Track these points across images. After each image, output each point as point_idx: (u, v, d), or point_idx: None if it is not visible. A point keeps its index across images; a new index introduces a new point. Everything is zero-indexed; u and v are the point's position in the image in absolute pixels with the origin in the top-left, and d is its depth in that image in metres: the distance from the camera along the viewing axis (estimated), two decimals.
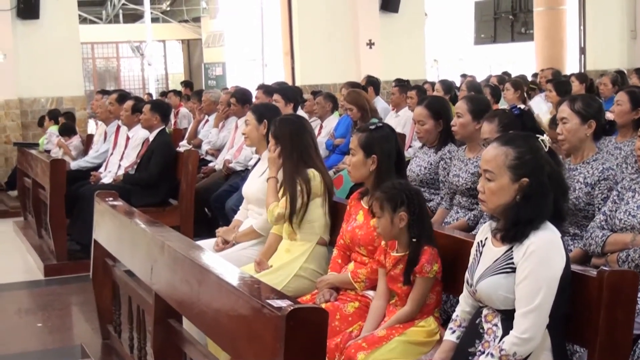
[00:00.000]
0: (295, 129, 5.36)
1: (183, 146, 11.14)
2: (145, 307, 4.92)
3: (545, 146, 3.53)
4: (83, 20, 17.38)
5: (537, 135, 3.59)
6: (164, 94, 19.26)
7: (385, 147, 4.66)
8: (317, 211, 5.21)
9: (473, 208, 5.73)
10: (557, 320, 3.36)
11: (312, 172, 5.21)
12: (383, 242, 4.30)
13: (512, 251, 3.43)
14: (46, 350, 6.53)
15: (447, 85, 12.32)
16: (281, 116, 5.70)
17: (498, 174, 3.48)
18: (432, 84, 13.82)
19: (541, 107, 10.97)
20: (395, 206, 4.12)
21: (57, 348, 6.54)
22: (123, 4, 31.40)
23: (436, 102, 6.43)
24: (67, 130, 12.65)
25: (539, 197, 3.42)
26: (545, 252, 3.34)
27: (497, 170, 3.49)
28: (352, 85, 11.38)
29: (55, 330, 7.16)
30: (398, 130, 9.40)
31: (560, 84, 10.85)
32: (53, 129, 13.07)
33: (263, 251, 5.46)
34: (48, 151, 12.27)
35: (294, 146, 5.28)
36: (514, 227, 3.43)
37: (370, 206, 4.31)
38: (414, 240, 4.11)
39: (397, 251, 4.20)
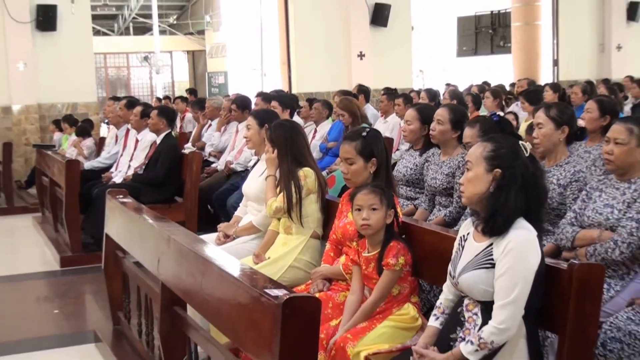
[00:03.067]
0: (289, 132, 5.39)
1: (188, 148, 11.14)
2: (153, 295, 4.93)
3: (526, 151, 3.54)
4: (96, 33, 17.36)
5: (521, 142, 3.60)
6: (167, 97, 19.27)
7: (380, 148, 4.70)
8: (312, 206, 5.24)
9: (450, 205, 5.79)
10: (531, 311, 3.38)
11: (308, 171, 5.23)
12: (354, 243, 4.35)
13: (492, 247, 3.45)
14: (62, 334, 6.53)
15: (432, 94, 12.48)
16: (276, 121, 5.70)
17: (475, 164, 3.54)
18: (418, 92, 13.83)
19: (520, 113, 11.02)
20: (389, 205, 4.17)
21: (72, 333, 6.54)
22: (133, 18, 31.38)
23: (426, 109, 6.47)
24: (83, 132, 12.65)
25: (511, 188, 3.44)
26: (522, 250, 3.36)
27: (474, 160, 3.55)
28: (344, 93, 11.39)
29: (70, 317, 7.16)
30: (386, 134, 9.43)
31: (530, 93, 10.96)
32: (73, 136, 13.07)
33: (261, 245, 5.47)
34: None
35: (288, 148, 5.31)
36: (492, 219, 3.45)
37: (354, 195, 4.33)
38: (385, 239, 4.17)
39: (368, 251, 4.24)
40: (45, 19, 14.87)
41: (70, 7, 15.08)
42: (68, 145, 13.03)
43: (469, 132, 5.44)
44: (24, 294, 8.02)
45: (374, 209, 4.15)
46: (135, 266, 5.50)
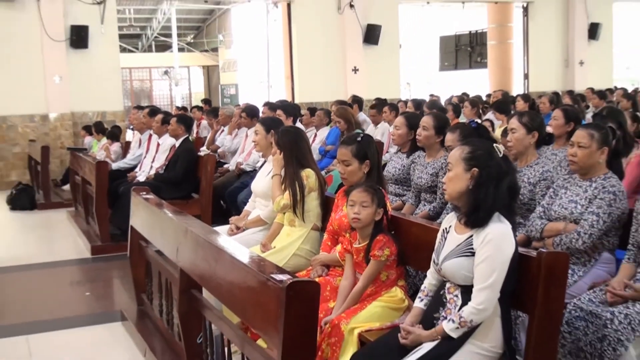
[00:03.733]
0: (294, 137, 5.39)
1: (203, 151, 11.12)
2: (172, 280, 4.92)
3: (500, 152, 3.55)
4: (123, 50, 17.35)
5: (495, 145, 3.61)
6: (184, 107, 19.26)
7: (373, 152, 4.72)
8: (313, 203, 5.24)
9: (433, 201, 5.79)
10: (505, 294, 3.39)
11: (309, 172, 5.24)
12: (348, 233, 4.34)
13: (472, 238, 3.46)
14: (92, 314, 6.52)
15: (417, 103, 12.62)
16: (282, 127, 5.70)
17: (455, 165, 3.55)
18: (406, 102, 13.93)
19: (495, 121, 11.03)
20: (379, 203, 4.18)
21: (102, 312, 6.53)
22: (155, 37, 31.33)
23: (413, 116, 6.48)
24: (113, 136, 12.68)
25: (488, 185, 3.46)
26: (498, 241, 3.37)
27: (454, 162, 3.56)
28: (341, 102, 11.38)
29: (100, 298, 7.15)
30: (377, 138, 9.43)
31: (500, 104, 11.04)
32: (104, 140, 13.08)
33: (267, 235, 5.47)
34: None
35: (293, 151, 5.30)
36: (473, 213, 3.46)
37: (356, 193, 4.31)
38: (373, 233, 4.18)
39: (358, 242, 4.25)
40: (78, 38, 14.90)
41: (100, 27, 15.09)
42: (98, 148, 13.03)
43: (450, 137, 5.44)
44: (59, 278, 8.01)
45: (364, 206, 4.16)
46: (157, 254, 5.49)
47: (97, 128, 13.95)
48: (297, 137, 5.43)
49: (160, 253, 5.36)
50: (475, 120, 8.87)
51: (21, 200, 12.63)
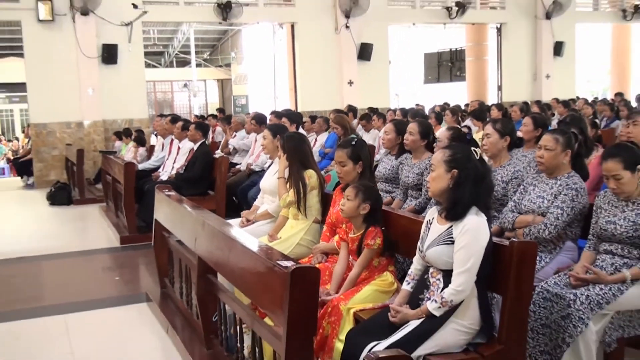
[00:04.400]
0: (297, 142, 5.40)
1: (218, 154, 11.12)
2: (191, 266, 4.93)
3: (477, 155, 3.57)
4: (147, 65, 17.40)
5: (473, 148, 3.63)
6: (201, 116, 19.24)
7: (366, 154, 4.75)
8: (314, 199, 5.23)
9: (419, 197, 5.79)
10: (482, 278, 3.40)
11: (311, 172, 5.24)
12: (344, 225, 4.37)
13: (452, 228, 3.48)
14: (121, 295, 6.53)
15: (404, 112, 12.77)
16: (288, 133, 5.71)
17: (437, 166, 3.57)
18: (394, 111, 13.94)
19: (472, 127, 11.04)
20: (365, 199, 4.18)
21: (129, 294, 6.53)
22: (176, 54, 31.32)
23: (401, 123, 6.49)
24: (140, 140, 12.70)
25: (466, 185, 3.48)
26: (475, 231, 3.38)
27: (436, 164, 3.58)
28: (338, 111, 11.37)
29: (128, 282, 7.15)
30: (369, 142, 9.43)
31: (477, 113, 11.06)
32: (131, 144, 13.10)
33: (274, 227, 5.47)
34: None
35: (296, 154, 5.31)
36: (453, 207, 3.49)
37: (345, 188, 4.41)
38: (366, 225, 4.20)
39: (353, 232, 4.28)
40: (109, 55, 14.89)
41: (127, 46, 15.08)
42: (126, 151, 13.05)
43: (443, 134, 5.69)
44: (92, 265, 8.02)
45: (348, 199, 4.22)
46: (178, 243, 5.49)
47: (125, 133, 14.02)
48: (300, 141, 5.44)
49: (181, 242, 5.36)
50: (455, 126, 8.90)
51: (59, 197, 12.65)
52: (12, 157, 21.61)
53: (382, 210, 4.36)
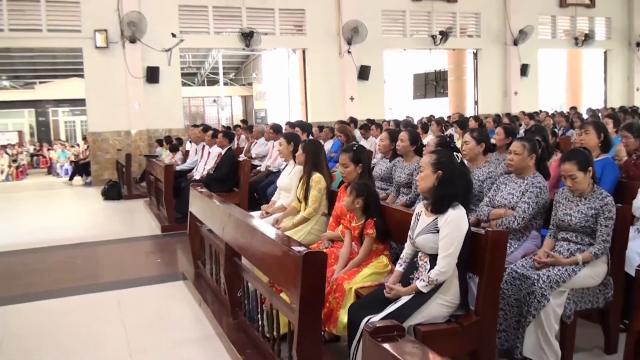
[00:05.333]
0: (316, 147, 5.36)
1: (242, 158, 11.11)
2: (220, 250, 4.92)
3: (459, 158, 3.58)
4: (183, 84, 17.48)
5: (455, 153, 3.64)
6: (227, 126, 19.25)
7: (365, 157, 4.73)
8: (323, 197, 5.18)
9: (409, 193, 5.76)
10: (462, 260, 3.39)
11: (319, 177, 5.17)
12: (348, 216, 4.36)
13: (437, 220, 3.46)
14: (162, 275, 6.54)
15: (397, 123, 12.71)
16: (309, 139, 5.68)
17: (425, 168, 3.57)
18: (388, 122, 13.88)
19: (454, 136, 11.01)
20: (357, 195, 4.19)
21: (169, 273, 6.54)
22: (207, 75, 31.35)
23: (394, 132, 6.44)
24: (174, 148, 12.74)
25: (449, 184, 3.47)
26: (456, 222, 3.37)
27: (424, 166, 3.58)
28: (341, 122, 11.36)
29: (168, 264, 7.16)
30: (368, 148, 9.41)
31: (461, 122, 11.02)
32: (168, 150, 13.16)
33: (283, 213, 5.51)
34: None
35: (312, 155, 5.27)
36: (438, 202, 3.48)
37: (347, 186, 4.46)
38: (365, 217, 4.20)
39: (355, 222, 4.27)
40: (152, 76, 14.92)
41: (167, 68, 15.10)
42: (166, 155, 13.08)
43: (431, 141, 5.69)
44: (138, 249, 8.03)
45: (346, 196, 4.26)
46: (209, 232, 5.49)
47: (165, 140, 14.05)
48: (318, 147, 5.40)
49: (211, 231, 5.35)
50: (440, 134, 8.86)
51: (111, 193, 12.70)
52: (74, 160, 21.65)
53: (379, 204, 4.34)
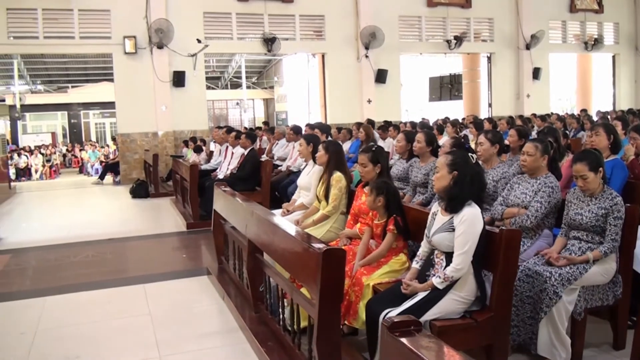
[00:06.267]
0: (338, 148, 5.36)
1: (263, 158, 11.13)
2: (242, 246, 4.92)
3: (473, 159, 3.55)
4: (208, 87, 17.54)
5: (470, 154, 3.62)
6: (250, 128, 19.30)
7: (384, 158, 4.71)
8: (343, 195, 5.16)
9: (425, 193, 5.72)
10: (477, 258, 3.36)
11: (340, 176, 5.15)
12: (371, 213, 4.32)
13: (452, 218, 3.44)
14: (187, 269, 6.56)
15: (413, 124, 12.57)
16: (330, 141, 5.66)
17: (441, 168, 3.55)
18: (405, 124, 13.83)
19: (468, 137, 10.94)
20: (378, 194, 4.15)
21: (193, 268, 6.56)
22: (230, 78, 31.45)
23: (410, 133, 6.40)
24: (198, 149, 12.80)
25: (464, 184, 3.44)
26: (471, 221, 3.35)
27: (440, 166, 3.56)
28: (359, 124, 11.30)
29: (192, 259, 7.18)
30: (386, 149, 9.39)
31: (477, 124, 10.90)
32: (192, 151, 13.23)
33: (304, 213, 5.50)
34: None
35: (334, 156, 5.26)
36: (451, 202, 3.45)
37: (365, 185, 4.46)
38: (388, 214, 4.16)
39: (378, 219, 4.23)
40: (178, 80, 15.00)
41: (193, 72, 15.17)
42: (191, 155, 13.14)
43: (447, 142, 5.69)
44: (164, 245, 8.08)
45: (367, 196, 4.23)
46: (232, 229, 5.49)
47: (191, 141, 14.12)
48: (339, 148, 5.40)
49: (234, 228, 5.36)
50: (455, 136, 8.81)
51: (139, 191, 12.79)
52: (103, 160, 21.84)
53: (399, 201, 4.31)
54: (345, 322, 3.92)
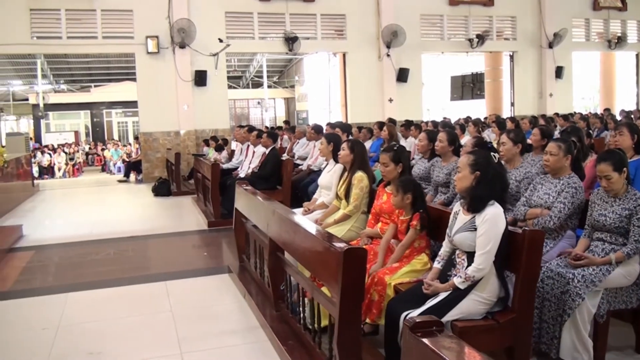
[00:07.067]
0: (361, 148, 5.34)
1: (284, 157, 11.15)
2: (264, 245, 4.94)
3: (495, 159, 3.53)
4: (229, 87, 17.58)
5: (492, 153, 3.60)
6: (271, 127, 19.35)
7: (405, 157, 4.70)
8: (364, 195, 5.15)
9: (447, 192, 5.70)
10: (499, 258, 3.34)
11: (362, 175, 5.13)
12: (397, 211, 4.29)
13: (474, 218, 3.41)
14: (208, 267, 6.58)
15: (435, 124, 12.45)
16: (354, 140, 5.63)
17: (463, 168, 3.53)
18: (426, 123, 13.72)
19: (490, 136, 10.85)
20: (406, 191, 4.13)
21: (214, 267, 6.59)
22: (251, 78, 31.55)
23: (432, 133, 6.38)
24: (220, 148, 12.85)
25: (486, 184, 3.42)
26: (494, 221, 3.32)
27: (462, 166, 3.54)
28: (380, 123, 11.28)
29: (214, 257, 7.22)
30: (407, 148, 9.38)
31: (500, 123, 10.80)
32: (214, 149, 13.30)
33: (325, 212, 5.50)
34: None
35: (358, 155, 5.25)
36: (473, 201, 3.43)
37: (387, 185, 4.43)
38: (413, 210, 4.15)
39: (403, 216, 4.22)
40: (200, 79, 15.07)
41: (214, 71, 15.24)
42: (212, 155, 13.20)
43: (469, 142, 5.64)
44: (186, 243, 8.13)
45: (394, 196, 4.21)
46: (253, 227, 5.50)
47: (212, 140, 14.18)
48: (363, 148, 5.39)
49: (256, 227, 5.37)
50: (477, 135, 8.77)
51: (161, 190, 12.88)
52: (126, 159, 22.03)
53: (424, 197, 4.30)
54: (367, 320, 3.92)
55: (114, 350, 4.28)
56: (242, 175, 9.49)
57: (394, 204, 4.25)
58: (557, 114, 15.38)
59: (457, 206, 3.65)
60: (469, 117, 15.80)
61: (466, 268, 3.38)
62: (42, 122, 31.30)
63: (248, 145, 10.29)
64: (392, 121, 13.21)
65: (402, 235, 4.21)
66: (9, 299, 5.68)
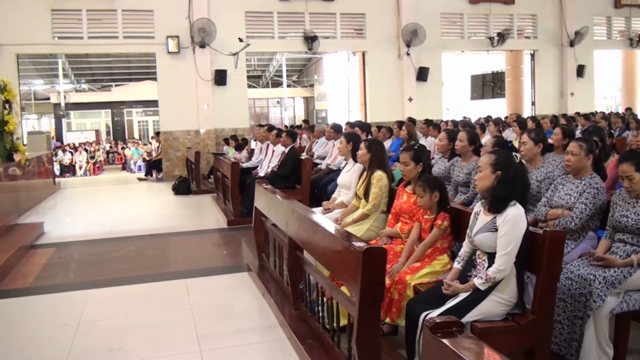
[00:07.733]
0: (380, 147, 5.34)
1: (304, 156, 11.14)
2: (283, 244, 4.95)
3: (517, 159, 3.51)
4: (249, 86, 17.64)
5: (513, 153, 3.58)
6: (290, 126, 19.38)
7: (426, 156, 4.69)
8: (383, 196, 5.14)
9: (467, 192, 5.69)
10: (520, 259, 3.32)
11: (381, 175, 5.12)
12: (422, 210, 4.28)
13: (495, 219, 3.40)
14: (228, 266, 6.62)
15: (455, 123, 12.34)
16: (373, 139, 5.62)
17: (484, 168, 3.52)
18: (446, 122, 13.66)
19: (511, 136, 10.78)
20: (432, 190, 4.13)
21: (234, 265, 6.62)
22: (271, 77, 31.64)
23: (452, 132, 6.36)
24: (239, 147, 12.91)
25: (507, 184, 3.41)
26: (515, 221, 3.30)
27: (483, 166, 3.53)
28: (400, 123, 11.25)
29: (233, 255, 7.25)
30: (427, 148, 9.34)
31: (520, 122, 10.70)
32: (234, 148, 13.35)
33: (343, 212, 5.48)
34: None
35: (377, 155, 5.24)
36: (494, 201, 3.42)
37: (415, 189, 4.36)
38: (438, 209, 4.15)
39: (428, 215, 4.22)
40: (220, 78, 15.13)
41: (234, 71, 15.28)
42: (232, 154, 13.25)
43: (489, 141, 5.66)
44: (206, 241, 8.15)
45: (420, 197, 4.19)
46: (273, 226, 5.52)
47: (232, 139, 14.25)
48: (382, 147, 5.38)
49: (275, 225, 5.38)
50: (497, 134, 8.70)
51: (181, 188, 12.95)
52: (146, 158, 22.20)
53: (447, 195, 4.29)
54: (387, 320, 3.92)
55: (133, 347, 4.32)
56: (261, 174, 9.51)
57: (421, 205, 4.23)
58: (578, 113, 15.23)
59: (477, 206, 3.63)
60: (489, 117, 15.70)
61: (487, 269, 3.36)
62: (64, 121, 31.67)
63: (267, 145, 10.32)
64: (411, 120, 13.18)
65: (426, 234, 4.21)
66: (30, 295, 5.75)
